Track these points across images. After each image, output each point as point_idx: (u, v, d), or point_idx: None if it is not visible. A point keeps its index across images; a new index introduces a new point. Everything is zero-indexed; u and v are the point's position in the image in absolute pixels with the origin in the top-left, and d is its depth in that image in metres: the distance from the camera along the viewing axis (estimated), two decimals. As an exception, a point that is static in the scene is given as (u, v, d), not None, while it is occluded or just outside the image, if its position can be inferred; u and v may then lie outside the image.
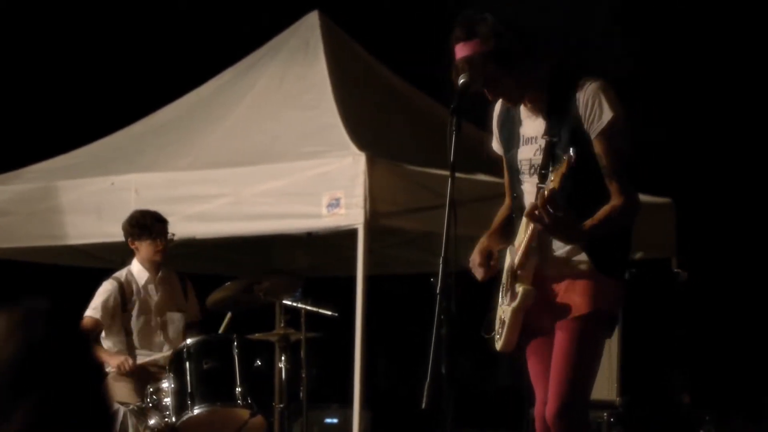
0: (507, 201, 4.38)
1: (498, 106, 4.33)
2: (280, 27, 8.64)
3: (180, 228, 6.96)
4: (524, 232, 4.10)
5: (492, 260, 4.20)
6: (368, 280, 6.79)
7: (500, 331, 4.22)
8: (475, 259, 4.23)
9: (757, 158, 11.11)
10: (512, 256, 4.16)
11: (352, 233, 6.82)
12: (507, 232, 4.28)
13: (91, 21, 11.88)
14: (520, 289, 4.09)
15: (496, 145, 4.37)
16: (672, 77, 11.40)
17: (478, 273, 4.23)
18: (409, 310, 9.75)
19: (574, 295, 4.09)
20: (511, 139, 4.24)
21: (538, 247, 4.09)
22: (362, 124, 7.43)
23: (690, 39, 11.31)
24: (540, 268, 4.12)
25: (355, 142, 7.01)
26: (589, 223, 3.98)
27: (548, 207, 3.83)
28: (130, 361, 6.40)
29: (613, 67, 9.64)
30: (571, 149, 3.74)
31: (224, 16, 12.13)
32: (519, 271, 4.11)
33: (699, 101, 11.30)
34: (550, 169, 3.94)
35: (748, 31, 11.22)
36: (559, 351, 4.09)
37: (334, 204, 6.82)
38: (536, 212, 3.88)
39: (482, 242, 4.29)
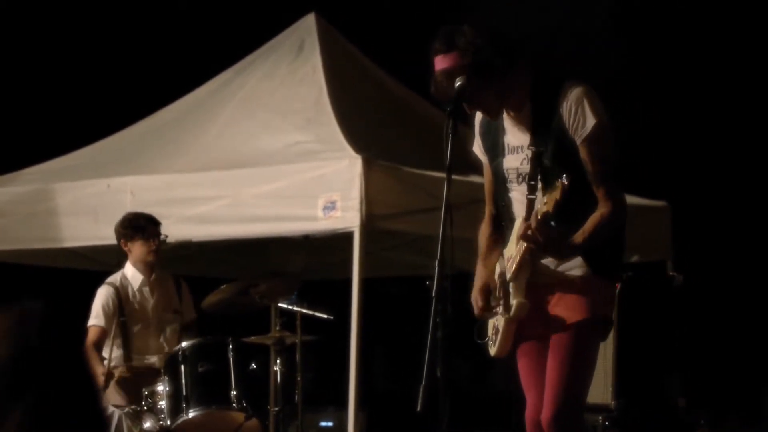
0: (488, 212, 4.38)
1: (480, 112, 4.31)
2: (277, 29, 8.64)
3: (176, 230, 6.94)
4: (516, 243, 4.11)
5: (493, 301, 4.22)
6: (364, 282, 6.79)
7: (494, 338, 4.24)
8: (477, 299, 4.25)
9: (752, 161, 11.13)
10: (502, 265, 4.18)
11: (348, 236, 6.82)
12: (498, 252, 4.28)
13: (90, 22, 11.87)
14: (514, 301, 4.11)
15: (477, 150, 4.36)
16: (668, 80, 11.40)
17: (478, 311, 4.26)
18: (405, 312, 9.75)
19: (567, 302, 4.10)
20: (495, 147, 4.23)
21: (529, 258, 4.10)
22: (358, 127, 7.42)
23: (686, 41, 11.32)
24: (532, 276, 4.13)
25: (351, 144, 7.00)
26: (579, 237, 3.98)
27: (542, 229, 3.85)
28: (112, 373, 6.37)
29: (610, 69, 9.65)
30: (564, 175, 3.73)
31: (222, 17, 12.12)
32: (512, 283, 4.12)
33: (695, 104, 11.31)
34: (538, 183, 3.96)
35: (745, 34, 11.23)
36: (554, 358, 4.10)
37: (330, 207, 6.81)
38: (529, 233, 3.89)
39: (479, 276, 4.30)
